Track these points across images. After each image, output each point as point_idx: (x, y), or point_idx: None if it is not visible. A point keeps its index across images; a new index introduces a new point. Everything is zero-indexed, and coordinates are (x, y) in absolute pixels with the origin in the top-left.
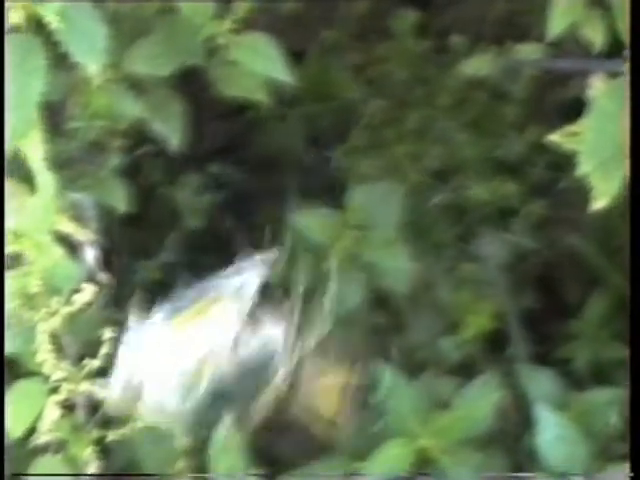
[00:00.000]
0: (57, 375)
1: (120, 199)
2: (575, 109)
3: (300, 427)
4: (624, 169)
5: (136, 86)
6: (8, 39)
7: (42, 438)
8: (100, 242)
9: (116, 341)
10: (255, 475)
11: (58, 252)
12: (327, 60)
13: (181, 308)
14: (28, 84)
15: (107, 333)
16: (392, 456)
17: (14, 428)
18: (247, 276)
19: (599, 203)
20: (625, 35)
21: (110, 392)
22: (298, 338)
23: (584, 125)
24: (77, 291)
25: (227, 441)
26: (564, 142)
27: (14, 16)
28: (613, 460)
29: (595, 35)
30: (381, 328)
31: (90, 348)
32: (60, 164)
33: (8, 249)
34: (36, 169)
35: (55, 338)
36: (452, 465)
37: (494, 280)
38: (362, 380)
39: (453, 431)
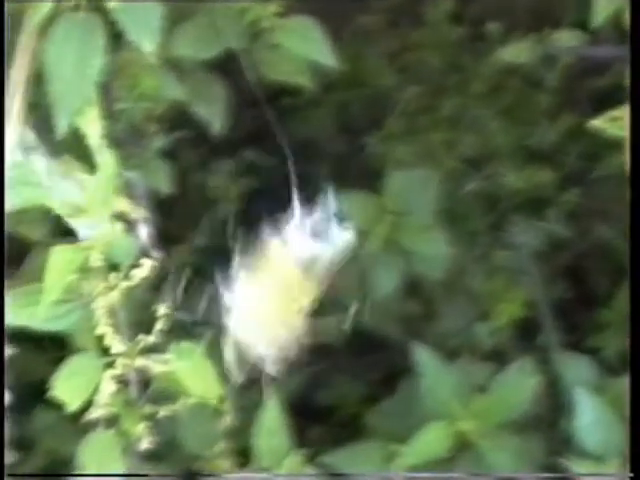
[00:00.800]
0: (116, 349)
1: (164, 181)
2: (612, 97)
3: None
4: None
5: (179, 69)
6: (68, 17)
7: (98, 412)
8: (153, 220)
9: (170, 317)
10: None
11: (118, 228)
12: (361, 47)
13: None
14: (87, 62)
15: (161, 309)
16: (431, 439)
17: (70, 402)
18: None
19: None
20: None
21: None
22: None
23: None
24: (136, 266)
25: (272, 421)
26: (607, 127)
27: None
28: None
29: None
30: (414, 314)
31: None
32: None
33: (70, 223)
34: (95, 147)
35: (112, 313)
36: (490, 449)
37: (526, 268)
38: (400, 364)
39: (492, 414)
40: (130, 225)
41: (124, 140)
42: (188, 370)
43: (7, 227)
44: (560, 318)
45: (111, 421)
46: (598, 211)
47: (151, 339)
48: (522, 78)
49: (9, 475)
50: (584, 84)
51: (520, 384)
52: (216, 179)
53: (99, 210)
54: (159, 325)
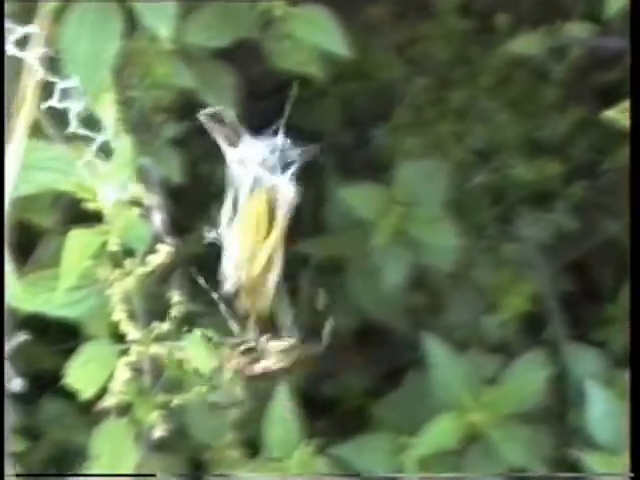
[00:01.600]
0: (132, 335)
1: (175, 170)
2: (621, 89)
3: None
4: None
5: (190, 58)
6: (83, 2)
7: (112, 400)
8: (167, 207)
9: (184, 304)
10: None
11: (134, 212)
12: (369, 39)
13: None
14: (103, 46)
15: (175, 296)
16: (442, 430)
17: (85, 389)
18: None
19: None
20: None
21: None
22: None
23: None
24: (152, 252)
25: (282, 412)
26: (620, 118)
27: None
28: None
29: None
30: (420, 306)
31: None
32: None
33: (88, 206)
34: (110, 131)
35: (127, 300)
36: (501, 440)
37: (533, 261)
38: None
39: (503, 405)
40: (145, 211)
41: (135, 128)
42: (203, 357)
43: (17, 214)
44: (566, 312)
45: (124, 410)
46: (606, 204)
47: (165, 326)
48: (531, 70)
49: (9, 475)
50: (593, 77)
51: (530, 376)
52: (223, 170)
53: (115, 194)
54: (173, 312)
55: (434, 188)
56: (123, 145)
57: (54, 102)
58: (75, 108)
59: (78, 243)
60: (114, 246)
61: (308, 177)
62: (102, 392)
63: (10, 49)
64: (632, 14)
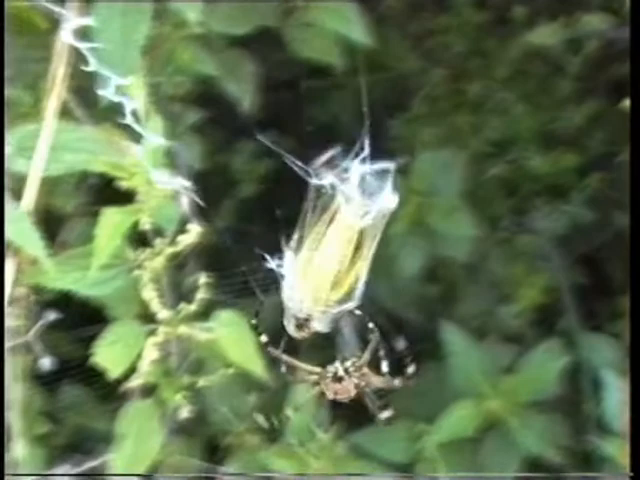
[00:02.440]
0: (161, 315)
1: (195, 156)
2: None
3: None
4: None
5: (211, 47)
6: None
7: (140, 380)
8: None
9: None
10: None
11: (164, 192)
12: (387, 30)
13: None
14: (135, 27)
15: (202, 278)
16: (460, 417)
17: (113, 369)
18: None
19: None
20: None
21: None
22: None
23: None
24: (182, 232)
25: (302, 398)
26: None
27: None
28: None
29: None
30: (435, 296)
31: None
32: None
33: (122, 184)
34: (142, 112)
35: (157, 279)
36: (519, 427)
37: (548, 254)
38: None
39: (521, 393)
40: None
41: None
42: (230, 339)
43: (42, 198)
44: (580, 304)
45: (148, 391)
46: (620, 197)
47: (192, 307)
48: (547, 63)
49: (9, 475)
50: (609, 69)
51: (547, 365)
52: (238, 160)
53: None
54: (200, 294)
55: (451, 178)
56: (154, 125)
57: (109, 95)
58: (130, 105)
59: (111, 221)
60: (146, 225)
61: None
62: (129, 372)
63: (67, 37)
64: (632, 14)
